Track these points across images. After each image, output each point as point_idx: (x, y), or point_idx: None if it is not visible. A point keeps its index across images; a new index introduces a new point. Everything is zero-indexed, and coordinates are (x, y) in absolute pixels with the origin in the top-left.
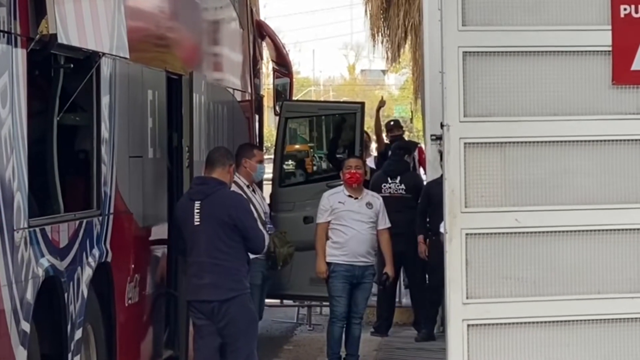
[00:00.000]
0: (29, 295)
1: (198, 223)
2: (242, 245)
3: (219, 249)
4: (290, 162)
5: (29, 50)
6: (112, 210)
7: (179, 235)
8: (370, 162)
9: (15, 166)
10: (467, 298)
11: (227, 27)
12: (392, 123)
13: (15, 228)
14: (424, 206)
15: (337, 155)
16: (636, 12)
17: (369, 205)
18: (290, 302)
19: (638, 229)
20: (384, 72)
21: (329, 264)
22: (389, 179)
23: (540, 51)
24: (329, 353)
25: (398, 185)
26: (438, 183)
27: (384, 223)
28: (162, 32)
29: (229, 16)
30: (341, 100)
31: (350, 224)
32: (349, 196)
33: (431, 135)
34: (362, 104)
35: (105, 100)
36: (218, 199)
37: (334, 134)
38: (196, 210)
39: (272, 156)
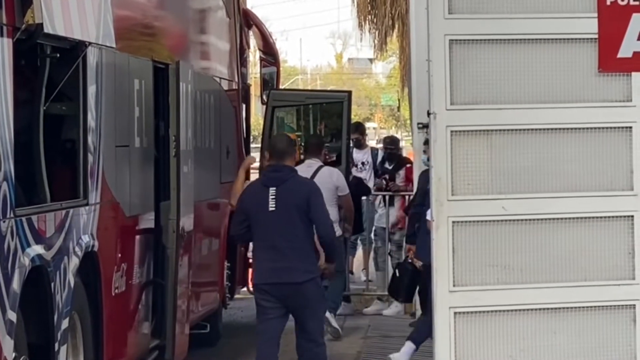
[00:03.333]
0: (16, 285)
1: (274, 208)
2: (312, 230)
3: (295, 233)
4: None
5: (15, 39)
6: (98, 200)
7: (243, 221)
8: (367, 155)
9: (1, 155)
10: (453, 286)
11: (214, 16)
12: (388, 140)
13: (1, 217)
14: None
15: (326, 144)
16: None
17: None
18: None
19: (625, 216)
20: (371, 60)
21: None
22: None
23: (526, 39)
24: None
25: None
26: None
27: None
28: (148, 21)
29: (216, 5)
30: (328, 89)
31: None
32: None
33: (418, 124)
34: (349, 92)
35: (91, 89)
36: (294, 185)
37: (322, 123)
38: (271, 197)
39: (259, 145)
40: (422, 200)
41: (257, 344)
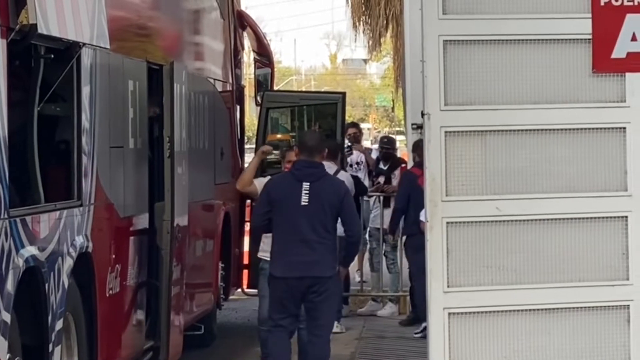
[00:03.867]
0: (10, 286)
1: (306, 203)
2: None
3: (325, 228)
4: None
5: (9, 40)
6: (92, 201)
7: (268, 212)
8: (361, 155)
9: None
10: (448, 287)
11: (208, 17)
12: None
13: None
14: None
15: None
16: (616, 0)
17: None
18: None
19: (619, 217)
20: (365, 61)
21: (259, 260)
22: None
23: (520, 39)
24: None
25: None
26: None
27: None
28: (142, 22)
29: (210, 6)
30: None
31: None
32: None
33: (412, 124)
34: (344, 94)
35: (85, 90)
36: (329, 182)
37: (316, 124)
38: (304, 191)
39: (254, 146)
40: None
41: (270, 339)
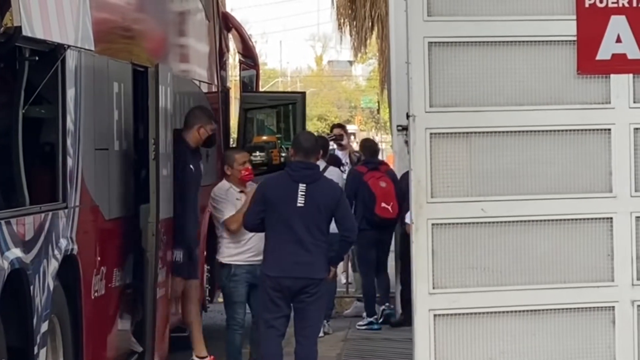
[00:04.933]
0: None
1: (302, 205)
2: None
3: (320, 230)
4: (257, 153)
5: None
6: (78, 203)
7: (262, 211)
8: (346, 156)
9: None
10: (433, 288)
11: (193, 19)
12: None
13: None
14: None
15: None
16: (600, 2)
17: None
18: None
19: (604, 218)
20: (350, 63)
21: (228, 265)
22: None
23: (505, 41)
24: None
25: None
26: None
27: None
28: (127, 24)
29: (195, 8)
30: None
31: None
32: (241, 192)
33: (397, 126)
34: (303, 93)
35: (70, 92)
36: (325, 184)
37: (284, 124)
38: (300, 193)
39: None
40: None
41: (262, 341)
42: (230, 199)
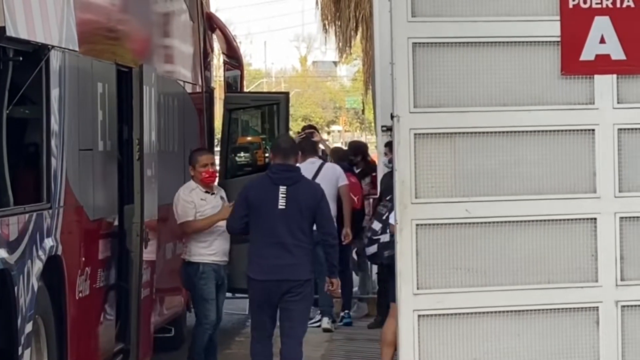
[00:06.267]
0: None
1: (284, 207)
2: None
3: (303, 232)
4: (242, 154)
5: None
6: (62, 204)
7: (245, 216)
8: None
9: None
10: (417, 289)
11: (178, 19)
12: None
13: None
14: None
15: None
16: (584, 2)
17: (223, 199)
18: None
19: (588, 219)
20: (335, 63)
21: (196, 263)
22: None
23: (489, 42)
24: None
25: None
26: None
27: None
28: (111, 25)
29: (179, 8)
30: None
31: None
32: (207, 192)
33: (382, 127)
34: (287, 94)
35: (54, 93)
36: (305, 186)
37: (268, 125)
38: (281, 195)
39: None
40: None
41: (252, 343)
42: (195, 200)
